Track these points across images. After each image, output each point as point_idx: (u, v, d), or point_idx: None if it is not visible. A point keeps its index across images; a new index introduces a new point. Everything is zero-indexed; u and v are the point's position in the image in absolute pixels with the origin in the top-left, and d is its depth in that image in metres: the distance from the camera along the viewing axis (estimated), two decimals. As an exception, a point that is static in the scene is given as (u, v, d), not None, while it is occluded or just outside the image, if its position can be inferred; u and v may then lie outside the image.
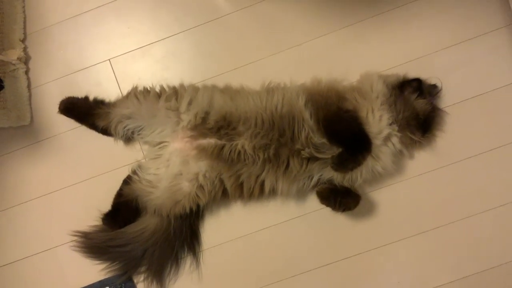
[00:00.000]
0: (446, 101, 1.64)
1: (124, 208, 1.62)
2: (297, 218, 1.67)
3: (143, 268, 1.66)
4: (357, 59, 1.67)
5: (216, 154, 1.48)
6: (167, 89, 1.60)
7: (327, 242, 1.67)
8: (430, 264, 1.63)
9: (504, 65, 1.64)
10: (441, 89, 1.63)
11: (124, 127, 1.59)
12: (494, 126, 1.63)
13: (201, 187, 1.53)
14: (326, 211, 1.62)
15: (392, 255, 1.64)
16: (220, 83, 1.67)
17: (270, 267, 1.67)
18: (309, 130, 1.44)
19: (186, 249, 1.67)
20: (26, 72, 1.74)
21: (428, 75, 1.62)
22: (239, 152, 1.47)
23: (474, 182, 1.63)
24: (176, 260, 1.66)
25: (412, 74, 1.59)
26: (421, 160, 1.64)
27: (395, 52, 1.67)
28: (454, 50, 1.65)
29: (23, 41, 1.74)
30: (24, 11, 1.76)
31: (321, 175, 1.50)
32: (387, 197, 1.65)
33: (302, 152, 1.45)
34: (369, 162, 1.47)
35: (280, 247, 1.68)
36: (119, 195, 1.64)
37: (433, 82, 1.62)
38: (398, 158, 1.59)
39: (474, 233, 1.62)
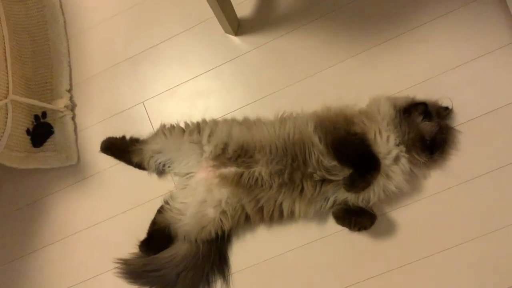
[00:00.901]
0: (457, 120, 1.66)
1: (158, 235, 1.76)
2: (319, 240, 1.72)
3: (178, 293, 1.79)
4: (366, 85, 1.75)
5: (236, 181, 1.59)
6: (190, 124, 1.76)
7: (349, 263, 1.70)
8: (452, 283, 1.62)
9: (512, 81, 1.66)
10: (451, 110, 1.66)
11: (155, 161, 1.77)
12: (507, 141, 1.63)
13: (224, 212, 1.64)
14: (347, 232, 1.68)
15: (413, 275, 1.64)
16: (241, 116, 1.80)
17: (296, 288, 1.74)
18: (319, 154, 1.53)
19: (216, 273, 1.76)
20: (73, 118, 1.99)
21: (437, 96, 1.66)
22: (257, 178, 1.57)
23: (492, 198, 1.61)
24: (208, 283, 1.76)
25: (422, 95, 1.65)
26: (438, 179, 1.66)
27: (403, 76, 1.73)
28: (463, 69, 1.69)
29: (69, 91, 2.00)
30: (69, 65, 2.02)
31: (336, 197, 1.56)
32: (406, 216, 1.67)
33: (314, 175, 1.53)
34: (380, 182, 1.52)
35: (304, 269, 1.73)
36: (153, 223, 1.79)
37: (444, 103, 1.66)
38: (412, 178, 1.62)
39: (496, 250, 1.59)
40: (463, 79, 1.69)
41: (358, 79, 1.78)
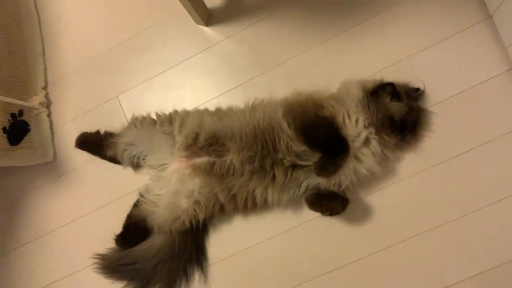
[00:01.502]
0: (430, 101, 1.65)
1: (133, 229, 1.75)
2: (296, 228, 1.71)
3: (156, 286, 1.75)
4: (338, 71, 1.73)
5: (208, 170, 1.58)
6: (161, 115, 1.75)
7: (327, 249, 1.68)
8: (429, 266, 1.59)
9: (485, 59, 1.63)
10: (423, 91, 1.64)
11: (129, 154, 1.76)
12: (481, 121, 1.61)
13: (197, 202, 1.63)
14: (323, 219, 1.67)
15: (392, 259, 1.62)
16: (214, 106, 1.78)
17: (274, 277, 1.71)
18: (288, 139, 1.51)
19: (194, 264, 1.75)
20: (48, 115, 1.99)
21: (409, 77, 1.65)
22: (229, 166, 1.56)
23: (467, 180, 1.60)
24: (185, 276, 1.75)
25: (393, 77, 1.62)
26: (412, 161, 1.64)
27: (374, 60, 1.71)
28: (433, 50, 1.67)
29: (44, 88, 2.00)
30: (44, 63, 2.03)
31: (308, 182, 1.55)
32: (382, 200, 1.65)
33: (285, 160, 1.51)
34: (351, 165, 1.50)
35: (282, 257, 1.72)
36: (129, 217, 1.78)
37: (415, 84, 1.64)
38: (385, 161, 1.60)
39: (472, 231, 1.58)
40: (435, 60, 1.67)
41: (330, 65, 1.77)
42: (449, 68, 1.66)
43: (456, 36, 1.66)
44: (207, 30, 1.90)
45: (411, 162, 1.64)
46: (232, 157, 1.56)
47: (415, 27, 1.71)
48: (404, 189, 1.64)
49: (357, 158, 1.52)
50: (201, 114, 1.71)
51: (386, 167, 1.62)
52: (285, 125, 1.53)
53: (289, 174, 1.53)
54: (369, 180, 1.63)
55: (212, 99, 1.85)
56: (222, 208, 1.66)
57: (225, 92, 1.84)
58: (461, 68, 1.65)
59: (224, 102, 1.80)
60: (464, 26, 1.66)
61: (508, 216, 1.56)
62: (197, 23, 1.88)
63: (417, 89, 1.63)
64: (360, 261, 1.65)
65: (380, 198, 1.66)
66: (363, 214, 1.66)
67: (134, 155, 1.76)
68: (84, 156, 1.92)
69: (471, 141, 1.61)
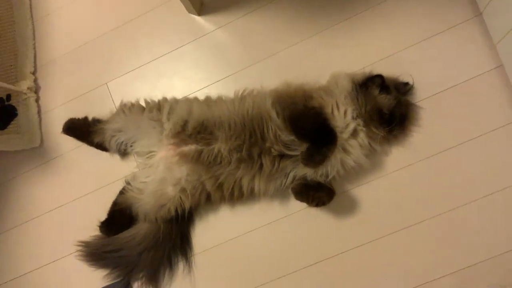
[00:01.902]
0: (419, 96, 1.65)
1: (118, 216, 1.74)
2: (283, 219, 1.70)
3: (140, 274, 1.74)
4: (328, 63, 1.74)
5: (196, 158, 1.57)
6: (150, 102, 1.74)
7: (313, 241, 1.68)
8: (416, 259, 1.60)
9: (474, 55, 1.64)
10: (412, 86, 1.65)
11: (116, 141, 1.75)
12: (469, 116, 1.62)
13: (183, 190, 1.62)
14: (309, 211, 1.68)
15: (378, 251, 1.62)
16: (203, 96, 1.76)
17: (260, 268, 1.70)
18: (276, 129, 1.51)
19: (178, 254, 1.75)
20: (37, 100, 1.97)
21: (399, 72, 1.65)
22: (216, 155, 1.55)
23: (454, 175, 1.60)
24: (169, 265, 1.74)
25: (383, 71, 1.60)
26: (400, 155, 1.64)
27: (365, 54, 1.72)
28: (424, 45, 1.68)
29: (33, 73, 1.98)
30: (34, 48, 2.01)
31: (295, 172, 1.55)
32: (369, 193, 1.65)
33: (272, 149, 1.51)
34: (338, 156, 1.50)
35: (268, 248, 1.71)
36: (114, 204, 1.77)
37: (404, 79, 1.65)
38: (373, 153, 1.60)
39: (459, 226, 1.58)
40: (424, 55, 1.68)
41: (321, 57, 1.77)
42: (438, 64, 1.67)
43: (446, 32, 1.67)
44: (199, 19, 1.89)
45: (398, 156, 1.65)
46: (220, 146, 1.55)
47: (406, 22, 1.71)
48: (391, 182, 1.64)
49: (344, 150, 1.52)
50: (190, 102, 1.70)
51: (373, 160, 1.63)
52: (274, 114, 1.53)
53: (276, 163, 1.53)
54: (356, 173, 1.63)
55: (202, 88, 1.85)
56: (208, 197, 1.66)
57: (215, 82, 1.84)
58: (450, 64, 1.66)
59: (214, 92, 1.79)
60: (454, 23, 1.67)
61: (494, 212, 1.56)
62: (189, 12, 1.87)
63: (406, 84, 1.64)
64: (345, 254, 1.65)
65: (367, 191, 1.66)
66: (350, 206, 1.66)
67: (122, 142, 1.75)
68: (71, 143, 1.90)
69: (458, 136, 1.61)
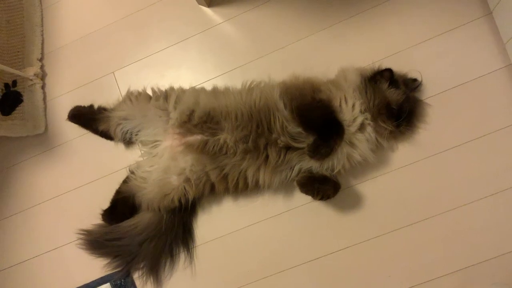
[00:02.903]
0: (426, 93, 1.65)
1: (121, 204, 1.73)
2: (285, 213, 1.70)
3: (140, 265, 1.73)
4: (337, 58, 1.74)
5: (201, 149, 1.57)
6: (157, 91, 1.73)
7: (315, 236, 1.67)
8: (420, 257, 1.59)
9: (483, 54, 1.64)
10: (421, 83, 1.65)
11: (122, 129, 1.73)
12: (477, 114, 1.61)
13: (188, 180, 1.61)
14: (313, 206, 1.67)
15: (381, 248, 1.62)
16: (210, 87, 1.76)
17: (261, 261, 1.69)
18: (284, 120, 1.51)
19: (180, 244, 1.74)
20: (42, 87, 1.96)
21: (408, 69, 1.65)
22: (222, 145, 1.55)
23: (460, 173, 1.60)
24: (171, 256, 1.73)
25: (392, 68, 1.60)
26: (406, 152, 1.64)
27: (374, 49, 1.72)
28: (433, 42, 1.68)
29: (40, 60, 1.98)
30: (42, 35, 2.01)
31: (301, 165, 1.54)
32: (373, 189, 1.65)
33: (279, 141, 1.51)
34: (344, 149, 1.50)
35: (270, 242, 1.70)
36: (118, 192, 1.76)
37: (413, 76, 1.64)
38: (379, 149, 1.59)
39: (463, 224, 1.57)
40: (433, 53, 1.68)
41: (329, 52, 1.76)
42: (447, 61, 1.66)
43: (456, 30, 1.67)
44: (208, 11, 1.89)
45: (404, 153, 1.64)
46: (226, 136, 1.54)
47: (416, 19, 1.71)
48: (396, 179, 1.64)
49: (351, 144, 1.51)
50: (197, 92, 1.70)
51: (379, 156, 1.62)
52: (281, 105, 1.53)
53: (282, 155, 1.53)
54: (362, 168, 1.63)
55: (209, 80, 1.84)
56: (212, 188, 1.65)
57: (222, 74, 1.84)
58: (459, 62, 1.66)
59: (221, 84, 1.77)
60: (464, 21, 1.67)
61: (499, 210, 1.56)
62: (199, 3, 1.87)
63: (415, 80, 1.64)
64: (348, 250, 1.64)
65: (371, 187, 1.65)
66: (353, 202, 1.66)
67: (127, 130, 1.74)
68: (75, 130, 1.90)
69: (465, 135, 1.61)
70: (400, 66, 1.65)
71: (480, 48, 1.65)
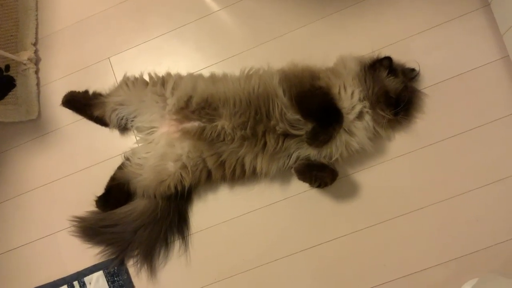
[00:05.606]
0: (424, 83, 1.66)
1: (116, 191, 1.71)
2: (282, 201, 1.69)
3: (134, 252, 1.72)
4: (335, 47, 1.73)
5: (198, 135, 1.56)
6: (154, 76, 1.71)
7: (312, 224, 1.67)
8: (415, 246, 1.60)
9: (481, 45, 1.65)
10: (418, 72, 1.65)
11: (117, 114, 1.71)
12: (473, 105, 1.63)
13: (184, 166, 1.60)
14: (310, 194, 1.67)
15: (377, 237, 1.62)
16: (208, 74, 1.75)
17: (256, 250, 1.69)
18: (282, 106, 1.50)
19: (175, 233, 1.72)
20: (36, 72, 1.93)
21: (406, 59, 1.65)
22: (219, 132, 1.54)
23: (456, 163, 1.61)
24: (165, 244, 1.72)
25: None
26: (403, 141, 1.65)
27: (372, 39, 1.72)
28: (431, 33, 1.69)
29: (34, 44, 1.94)
30: (36, 19, 1.97)
31: (299, 153, 1.54)
32: (370, 178, 1.65)
33: (277, 127, 1.50)
34: (343, 137, 1.50)
35: (266, 230, 1.70)
36: (112, 179, 1.74)
37: (411, 65, 1.65)
38: (377, 138, 1.60)
39: (459, 214, 1.59)
40: (431, 43, 1.69)
41: (328, 41, 1.76)
42: (444, 52, 1.67)
43: (454, 21, 1.68)
44: (207, -3, 1.88)
45: (401, 142, 1.65)
46: (223, 123, 1.53)
47: (414, 9, 1.72)
48: (393, 168, 1.64)
49: (349, 132, 1.51)
50: (195, 78, 1.68)
51: (376, 146, 1.61)
52: (280, 92, 1.52)
53: (280, 142, 1.52)
54: (358, 158, 1.63)
55: (207, 67, 1.82)
56: (209, 175, 1.64)
57: (219, 61, 1.82)
58: (456, 53, 1.67)
59: (218, 71, 1.75)
60: (462, 12, 1.68)
61: (495, 200, 1.58)
62: (197, -11, 1.86)
63: (413, 70, 1.64)
64: (344, 238, 1.64)
65: (367, 176, 1.66)
66: (350, 191, 1.66)
67: (123, 116, 1.72)
68: (69, 116, 1.87)
69: (462, 125, 1.62)
70: (397, 56, 1.64)
71: (477, 39, 1.66)
